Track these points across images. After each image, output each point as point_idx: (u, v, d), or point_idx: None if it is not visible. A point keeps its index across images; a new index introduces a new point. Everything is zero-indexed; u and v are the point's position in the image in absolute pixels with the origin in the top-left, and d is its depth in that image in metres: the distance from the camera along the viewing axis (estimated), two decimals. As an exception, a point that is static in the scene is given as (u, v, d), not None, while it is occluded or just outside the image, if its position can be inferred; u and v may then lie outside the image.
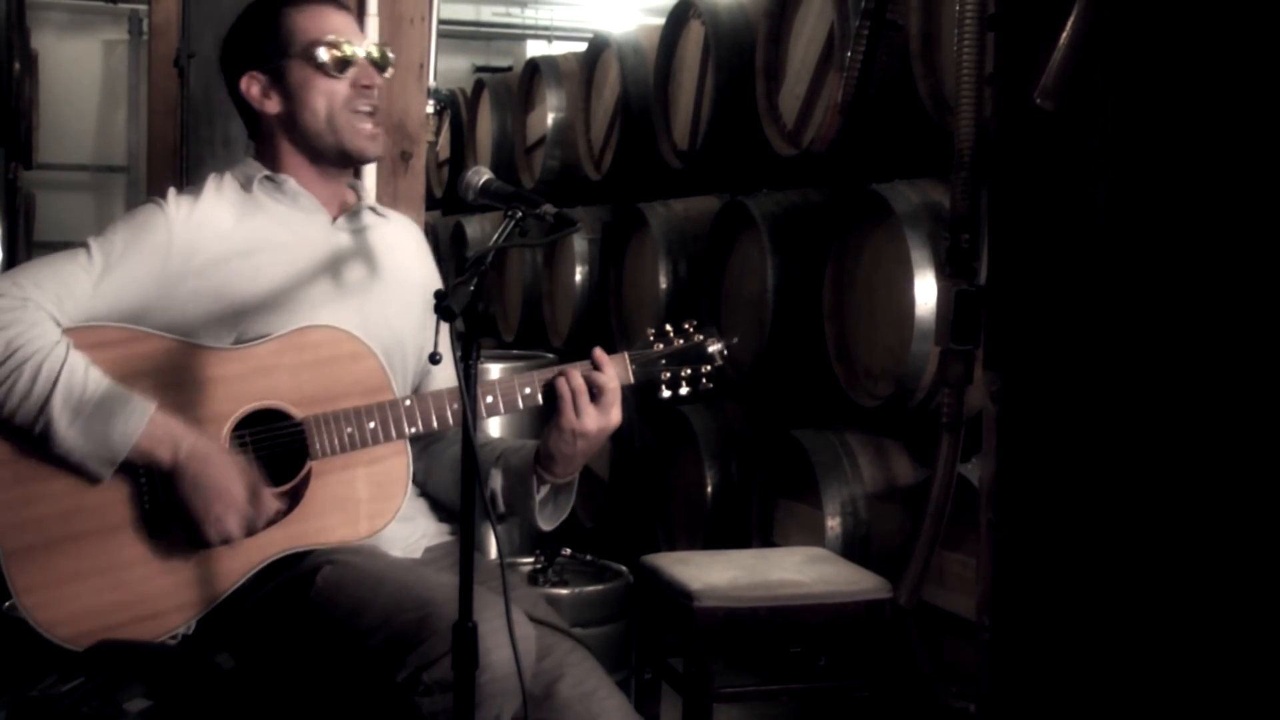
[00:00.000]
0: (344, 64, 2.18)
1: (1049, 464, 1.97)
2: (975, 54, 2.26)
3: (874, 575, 2.97)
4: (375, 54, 2.22)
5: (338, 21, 2.21)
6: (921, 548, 2.52)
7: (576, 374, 2.10)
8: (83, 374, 1.96)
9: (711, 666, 2.83)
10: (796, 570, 2.99)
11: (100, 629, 1.99)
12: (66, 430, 1.94)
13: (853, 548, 3.58)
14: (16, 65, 5.47)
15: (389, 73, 2.27)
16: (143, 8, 8.94)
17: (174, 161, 6.12)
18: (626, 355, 2.17)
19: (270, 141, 2.24)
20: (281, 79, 2.19)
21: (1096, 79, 1.84)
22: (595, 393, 2.10)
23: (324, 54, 2.17)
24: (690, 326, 2.23)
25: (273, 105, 2.21)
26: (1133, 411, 1.80)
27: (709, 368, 2.21)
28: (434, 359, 1.72)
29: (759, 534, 4.03)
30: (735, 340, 2.30)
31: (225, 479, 1.99)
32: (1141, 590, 1.79)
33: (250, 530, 2.02)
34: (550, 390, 2.11)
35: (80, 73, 10.04)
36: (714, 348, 2.21)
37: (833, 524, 3.59)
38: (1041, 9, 1.96)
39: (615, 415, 2.11)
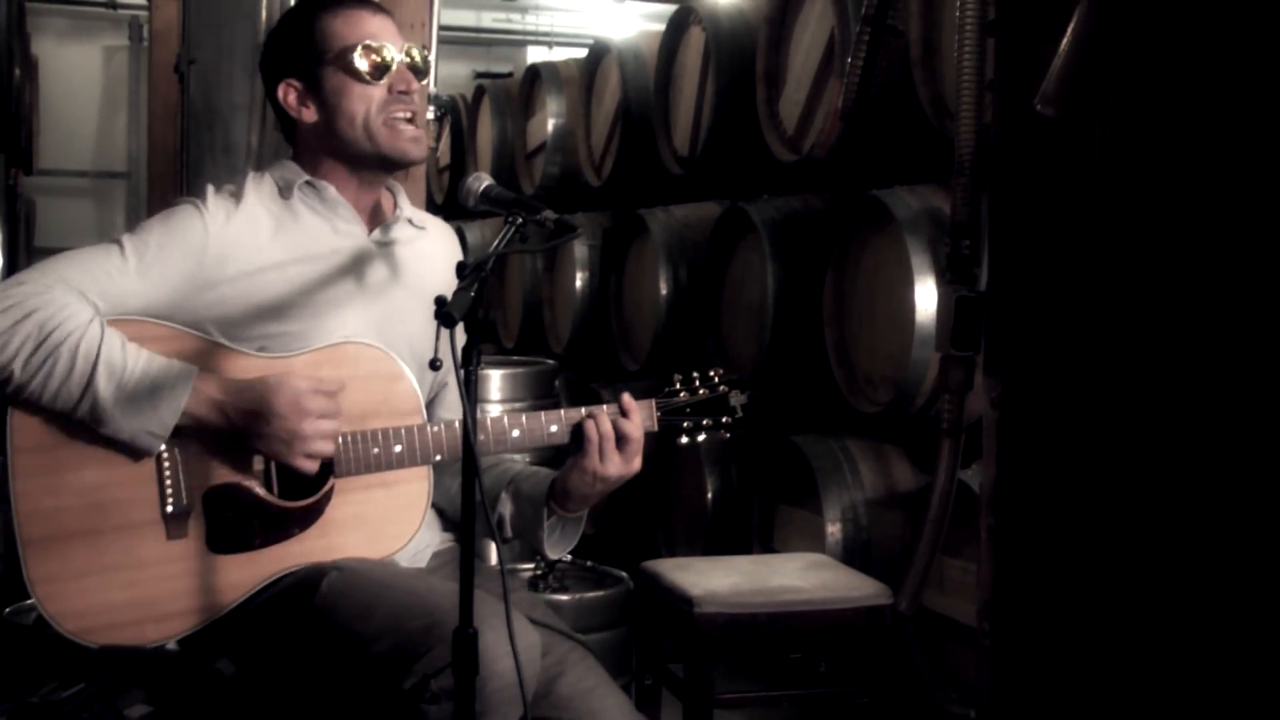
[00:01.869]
0: (380, 70, 2.12)
1: (1049, 470, 1.97)
2: (975, 60, 2.26)
3: (874, 581, 2.97)
4: (413, 58, 2.17)
5: (374, 25, 2.15)
6: (922, 554, 2.51)
7: (605, 419, 2.10)
8: (120, 349, 1.94)
9: (712, 672, 2.83)
10: (797, 576, 2.99)
11: (109, 626, 1.99)
12: (114, 407, 1.92)
13: (853, 554, 3.58)
14: (17, 71, 5.48)
15: (427, 78, 2.21)
16: (143, 13, 8.93)
17: (175, 167, 6.12)
18: (653, 403, 2.18)
19: (308, 149, 2.19)
20: (317, 87, 2.14)
21: (1097, 85, 1.84)
22: (621, 440, 2.10)
23: (359, 60, 2.11)
24: (717, 376, 2.23)
25: (309, 114, 2.16)
26: (1133, 417, 1.80)
27: (729, 419, 2.22)
28: (434, 365, 1.72)
29: (759, 540, 4.03)
30: (759, 391, 2.31)
31: (284, 416, 1.96)
32: (1143, 596, 1.79)
33: (333, 437, 2.00)
34: (578, 430, 2.11)
35: (80, 78, 10.04)
36: (736, 400, 2.22)
37: (833, 530, 3.59)
38: (1042, 15, 1.96)
39: (637, 464, 2.13)
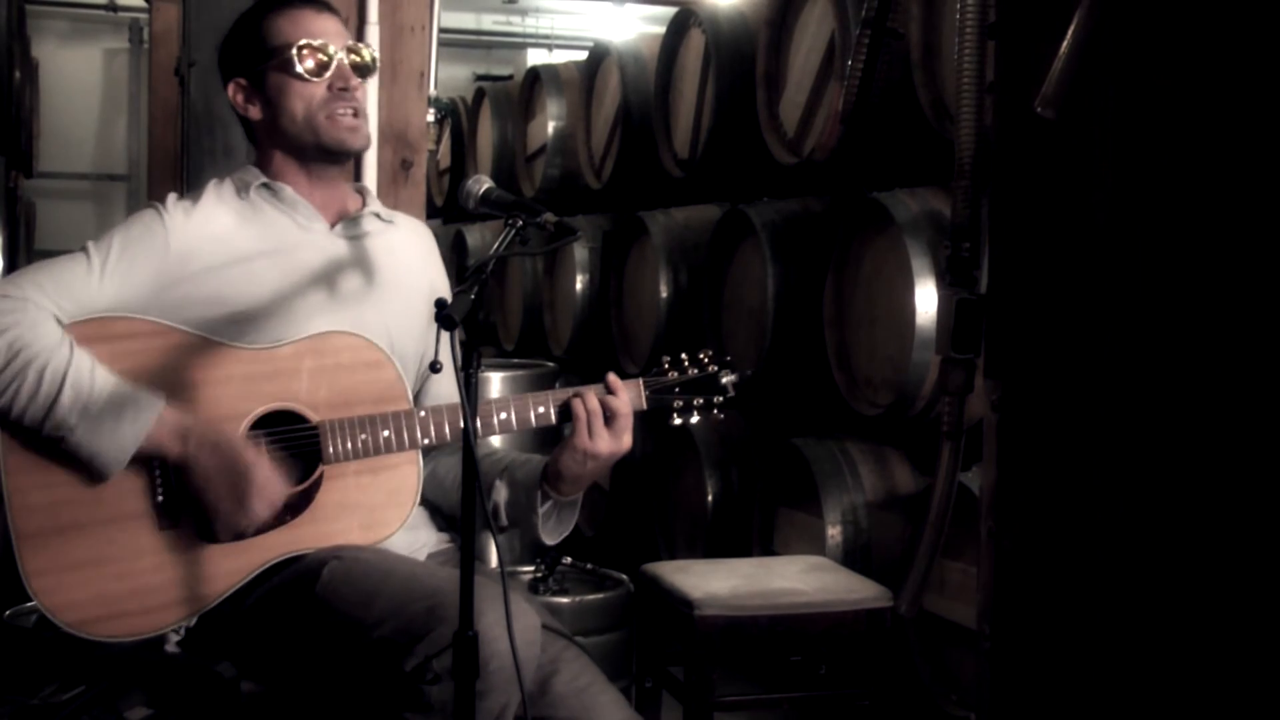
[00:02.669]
0: (320, 69, 2.16)
1: (1049, 472, 1.97)
2: (976, 62, 2.26)
3: (875, 584, 2.96)
4: (355, 58, 2.20)
5: (316, 25, 2.19)
6: (922, 556, 2.51)
7: (592, 396, 2.11)
8: (89, 373, 1.97)
9: (712, 675, 2.83)
10: (797, 579, 2.99)
11: (107, 617, 2.00)
12: (75, 429, 1.95)
13: (853, 556, 3.58)
14: (17, 73, 5.47)
15: (372, 76, 2.25)
16: (143, 16, 8.96)
17: (175, 170, 6.13)
18: (641, 381, 2.18)
19: (262, 148, 2.24)
20: (261, 85, 2.19)
21: (1098, 87, 1.84)
22: (609, 416, 2.10)
23: (298, 59, 2.15)
24: (705, 356, 2.23)
25: (255, 111, 2.21)
26: (1134, 420, 1.80)
27: (720, 399, 2.22)
28: (435, 367, 1.73)
29: (759, 543, 4.03)
30: (749, 372, 2.29)
31: (237, 472, 1.99)
32: (1143, 599, 1.79)
33: (261, 526, 2.02)
34: (565, 410, 2.12)
35: (81, 81, 10.05)
36: (727, 379, 2.22)
37: (833, 532, 3.59)
38: (1042, 17, 1.96)
39: (627, 440, 2.12)
